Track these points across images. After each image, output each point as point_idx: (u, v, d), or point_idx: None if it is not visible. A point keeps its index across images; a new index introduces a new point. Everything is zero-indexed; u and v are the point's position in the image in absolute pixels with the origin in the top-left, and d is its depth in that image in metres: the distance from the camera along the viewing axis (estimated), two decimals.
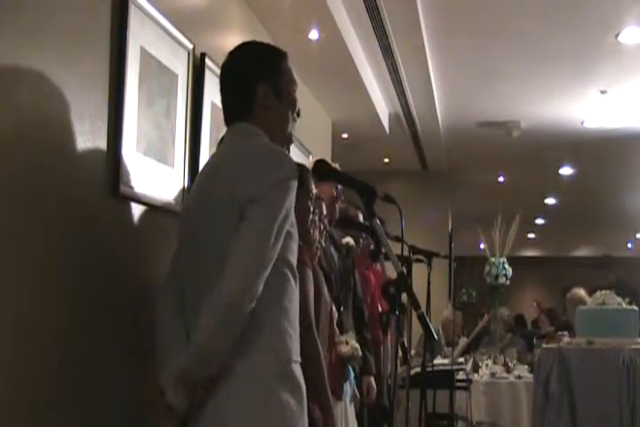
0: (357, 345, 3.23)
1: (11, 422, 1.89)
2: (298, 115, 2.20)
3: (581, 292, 6.22)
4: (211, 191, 2.03)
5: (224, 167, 2.03)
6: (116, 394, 2.40)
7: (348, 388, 3.23)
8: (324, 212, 3.06)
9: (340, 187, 3.55)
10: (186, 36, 2.97)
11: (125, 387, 2.46)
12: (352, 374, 3.27)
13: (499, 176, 10.52)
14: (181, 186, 2.98)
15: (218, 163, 2.10)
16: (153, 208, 2.70)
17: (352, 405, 3.34)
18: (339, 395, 3.07)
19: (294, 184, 1.98)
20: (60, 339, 2.11)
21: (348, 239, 3.84)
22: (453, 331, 6.56)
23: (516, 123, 7.67)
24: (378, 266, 4.57)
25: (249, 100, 2.10)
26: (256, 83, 2.11)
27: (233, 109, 2.15)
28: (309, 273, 2.68)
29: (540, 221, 14.32)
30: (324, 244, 3.13)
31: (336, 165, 3.51)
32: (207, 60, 3.23)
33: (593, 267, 7.67)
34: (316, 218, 2.88)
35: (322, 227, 2.98)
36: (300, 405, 1.99)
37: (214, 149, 3.32)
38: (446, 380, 5.34)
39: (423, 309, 1.93)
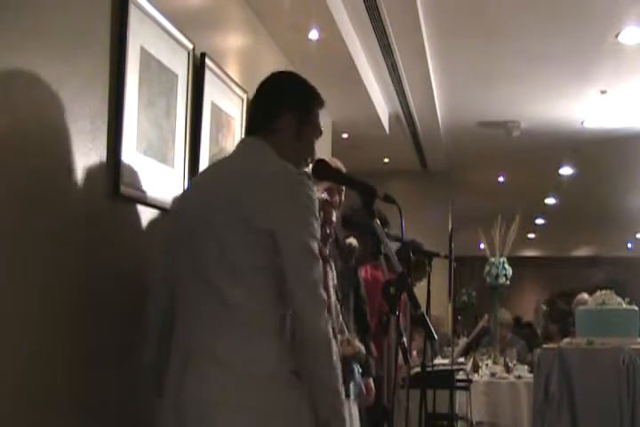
0: (360, 344, 3.23)
1: (14, 422, 1.89)
2: (312, 160, 2.27)
3: (585, 296, 6.24)
4: (229, 205, 2.03)
5: (245, 187, 2.04)
6: (116, 394, 2.41)
7: (353, 387, 3.23)
8: (334, 219, 3.04)
9: (342, 188, 3.52)
10: (186, 36, 2.97)
11: (127, 386, 2.46)
12: (358, 374, 3.27)
13: (499, 176, 10.53)
14: (181, 186, 2.98)
15: (234, 178, 2.09)
16: (153, 208, 2.70)
17: (356, 405, 3.34)
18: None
19: (316, 207, 2.03)
20: (59, 339, 2.11)
21: (352, 240, 3.83)
22: (454, 331, 6.56)
23: (515, 123, 7.67)
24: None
25: (268, 123, 2.17)
26: (283, 113, 2.17)
27: (252, 124, 2.23)
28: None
29: (540, 221, 14.32)
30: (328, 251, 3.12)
31: (338, 163, 3.50)
32: (207, 60, 3.23)
33: (584, 266, 7.71)
34: (326, 228, 2.88)
35: (328, 234, 2.98)
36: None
37: (214, 149, 3.34)
38: (446, 380, 5.34)
39: (423, 309, 1.93)
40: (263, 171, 2.05)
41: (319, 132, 2.26)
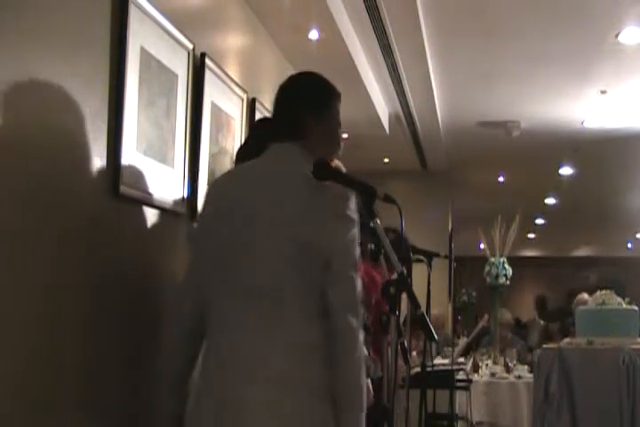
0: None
1: (14, 422, 1.89)
2: (337, 154, 2.33)
3: (585, 296, 6.24)
4: (285, 222, 2.06)
5: (299, 203, 2.08)
6: (118, 394, 2.41)
7: None
8: None
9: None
10: (186, 36, 2.97)
11: (127, 386, 2.46)
12: None
13: (499, 176, 10.52)
14: (181, 186, 2.98)
15: (284, 191, 2.11)
16: (153, 208, 2.70)
17: None
18: None
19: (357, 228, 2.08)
20: (59, 339, 2.11)
21: None
22: (454, 331, 6.56)
23: (515, 123, 7.67)
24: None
25: (300, 126, 2.19)
26: (313, 115, 2.20)
27: (282, 127, 2.23)
28: None
29: (540, 221, 14.32)
30: None
31: (338, 163, 3.49)
32: (207, 60, 3.23)
33: (584, 266, 7.71)
34: None
35: None
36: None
37: (214, 149, 3.34)
38: (446, 380, 5.34)
39: (423, 309, 1.93)
40: (312, 185, 2.07)
41: (340, 126, 2.29)
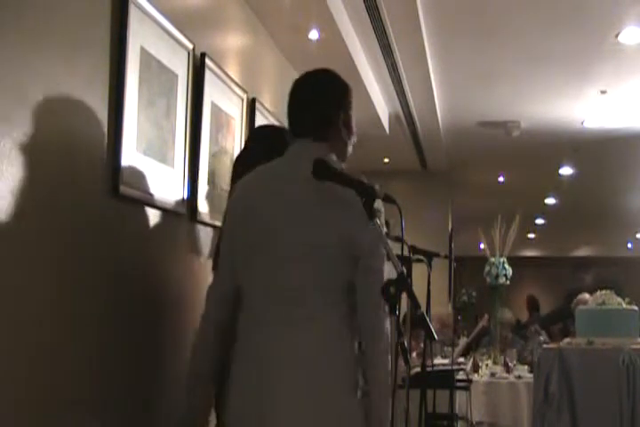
0: None
1: (14, 421, 1.89)
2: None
3: (586, 296, 6.23)
4: (317, 218, 2.10)
5: (335, 207, 2.11)
6: (121, 393, 2.41)
7: None
8: None
9: None
10: (186, 36, 2.97)
11: (127, 385, 2.46)
12: None
13: (499, 176, 10.52)
14: (181, 186, 2.98)
15: (319, 195, 2.12)
16: (153, 208, 2.70)
17: None
18: None
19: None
20: (59, 339, 2.11)
21: None
22: (454, 330, 6.55)
23: (515, 123, 7.66)
24: None
25: (328, 125, 2.25)
26: (339, 112, 2.28)
27: (309, 126, 2.24)
28: None
29: (540, 221, 14.32)
30: None
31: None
32: (207, 60, 3.23)
33: (584, 266, 7.69)
34: None
35: None
36: None
37: (214, 148, 3.34)
38: (446, 380, 5.33)
39: (423, 309, 1.93)
40: (343, 193, 2.07)
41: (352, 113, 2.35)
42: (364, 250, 2.08)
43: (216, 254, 2.52)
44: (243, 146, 3.32)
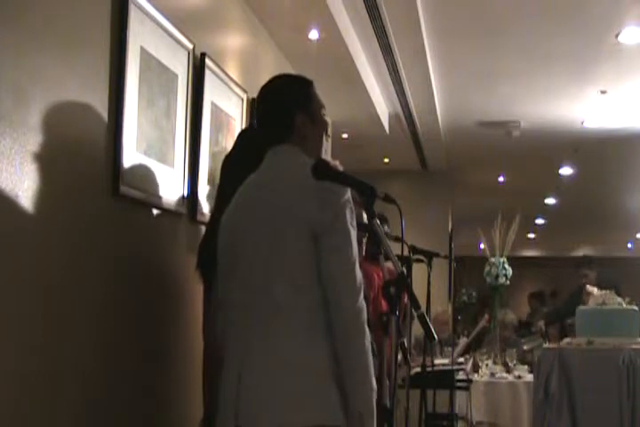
0: None
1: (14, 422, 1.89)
2: (327, 134, 2.36)
3: (595, 290, 6.23)
4: (282, 219, 2.08)
5: (291, 194, 2.10)
6: (126, 392, 2.41)
7: None
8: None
9: None
10: (186, 36, 2.97)
11: (126, 385, 2.46)
12: None
13: (499, 176, 10.52)
14: (181, 186, 2.98)
15: (280, 188, 2.13)
16: (153, 208, 2.71)
17: None
18: None
19: (351, 204, 2.10)
20: (56, 338, 2.11)
21: None
22: (454, 330, 6.55)
23: (515, 123, 7.66)
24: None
25: (288, 128, 2.22)
26: (294, 113, 2.23)
27: (273, 135, 2.25)
28: None
29: (540, 221, 14.32)
30: None
31: (336, 162, 3.50)
32: (207, 60, 3.23)
33: (574, 267, 7.68)
34: None
35: None
36: None
37: (214, 149, 3.33)
38: (446, 380, 5.33)
39: (423, 309, 1.93)
40: (314, 185, 2.07)
41: (323, 107, 2.32)
42: (324, 226, 2.01)
43: (199, 253, 2.53)
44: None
